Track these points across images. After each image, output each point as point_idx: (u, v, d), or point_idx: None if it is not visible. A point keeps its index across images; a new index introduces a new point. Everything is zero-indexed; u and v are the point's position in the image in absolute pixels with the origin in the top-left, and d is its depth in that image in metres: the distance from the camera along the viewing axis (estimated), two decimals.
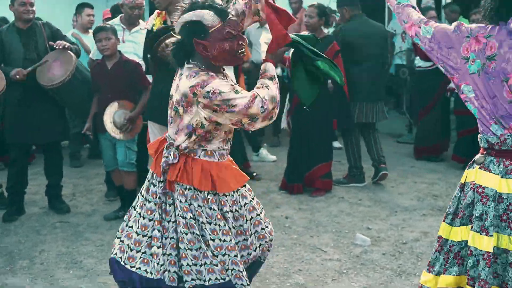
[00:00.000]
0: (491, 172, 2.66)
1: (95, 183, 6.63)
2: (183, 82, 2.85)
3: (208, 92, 2.76)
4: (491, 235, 2.61)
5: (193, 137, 2.91)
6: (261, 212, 3.26)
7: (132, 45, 5.65)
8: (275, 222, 5.26)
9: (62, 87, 5.08)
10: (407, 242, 4.79)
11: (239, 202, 3.10)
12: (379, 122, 8.78)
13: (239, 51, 2.88)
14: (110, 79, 5.09)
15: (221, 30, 2.82)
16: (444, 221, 2.83)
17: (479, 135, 2.74)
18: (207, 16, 2.82)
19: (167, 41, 4.49)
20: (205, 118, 2.84)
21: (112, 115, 5.03)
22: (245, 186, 3.21)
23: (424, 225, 5.17)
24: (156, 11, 4.90)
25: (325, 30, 6.39)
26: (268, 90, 2.86)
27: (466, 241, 2.71)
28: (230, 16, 2.89)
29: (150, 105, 4.84)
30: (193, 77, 2.82)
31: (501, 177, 2.63)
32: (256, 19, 3.25)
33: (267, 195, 6.12)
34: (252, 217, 3.17)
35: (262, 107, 2.80)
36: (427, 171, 6.95)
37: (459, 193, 2.80)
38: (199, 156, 2.97)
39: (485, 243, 2.61)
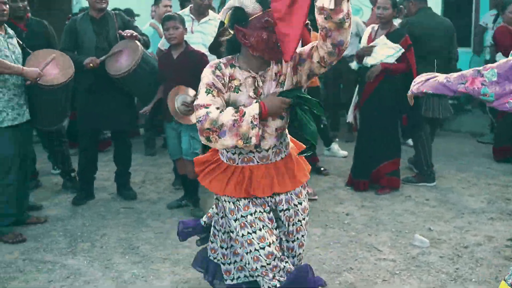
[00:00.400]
0: None
1: (164, 172, 6.78)
2: (205, 70, 2.93)
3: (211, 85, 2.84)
4: None
5: None
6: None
7: (200, 36, 5.68)
8: (335, 218, 5.19)
9: (128, 77, 5.20)
10: (469, 246, 4.58)
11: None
12: (460, 121, 8.49)
13: (279, 44, 2.74)
14: (175, 69, 5.15)
15: (261, 19, 2.74)
16: None
17: None
18: (248, 3, 2.76)
19: None
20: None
21: (175, 99, 5.07)
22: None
23: (490, 229, 4.92)
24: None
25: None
26: (221, 114, 2.72)
27: None
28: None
29: None
30: (211, 69, 2.89)
31: None
32: None
33: (333, 190, 6.04)
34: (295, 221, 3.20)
35: (199, 119, 2.71)
36: (503, 173, 6.61)
37: None
38: None
39: None
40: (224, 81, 2.83)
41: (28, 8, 5.81)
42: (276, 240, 2.96)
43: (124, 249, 4.60)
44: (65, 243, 4.73)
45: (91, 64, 5.23)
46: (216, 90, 2.80)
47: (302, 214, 3.11)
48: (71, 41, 5.48)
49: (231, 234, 3.13)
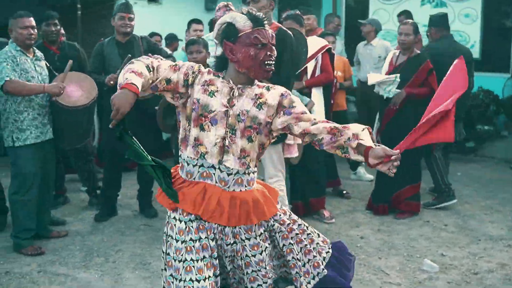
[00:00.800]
0: None
1: None
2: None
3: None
4: None
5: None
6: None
7: None
8: (348, 241, 5.18)
9: (150, 97, 5.35)
10: (479, 272, 4.51)
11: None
12: (495, 147, 8.36)
13: (266, 62, 2.73)
14: None
15: (250, 35, 2.71)
16: None
17: None
18: (239, 19, 2.74)
19: None
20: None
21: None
22: None
23: (505, 256, 4.83)
24: None
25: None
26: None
27: None
28: (265, 26, 2.78)
29: None
30: (199, 70, 2.85)
31: None
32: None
33: (351, 213, 6.03)
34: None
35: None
36: None
37: None
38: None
39: None
40: (193, 79, 2.77)
41: (61, 32, 6.10)
42: (213, 275, 2.68)
43: (135, 265, 4.72)
44: (80, 257, 4.89)
45: (111, 82, 5.39)
46: (176, 67, 2.78)
47: (250, 251, 2.78)
48: (99, 64, 5.71)
49: (165, 255, 2.78)
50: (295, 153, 5.09)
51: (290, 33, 4.86)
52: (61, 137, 5.20)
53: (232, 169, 2.72)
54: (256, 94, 2.81)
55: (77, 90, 5.08)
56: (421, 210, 5.97)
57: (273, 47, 2.77)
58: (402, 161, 5.62)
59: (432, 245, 5.09)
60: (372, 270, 4.57)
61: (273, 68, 2.80)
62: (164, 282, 2.79)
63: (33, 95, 4.89)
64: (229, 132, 2.71)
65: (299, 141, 5.11)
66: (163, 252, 2.78)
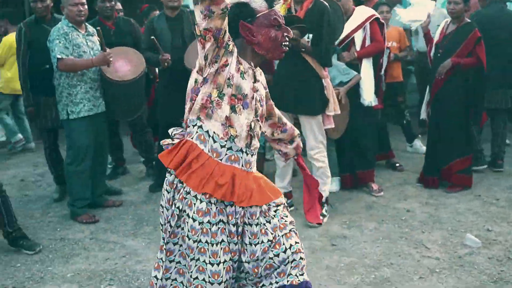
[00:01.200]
0: None
1: None
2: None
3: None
4: None
5: (198, 101, 2.67)
6: None
7: None
8: (394, 214, 5.17)
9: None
10: None
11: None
12: None
13: (283, 43, 2.69)
14: None
15: (268, 16, 2.64)
16: None
17: None
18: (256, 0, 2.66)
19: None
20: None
21: None
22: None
23: None
24: None
25: None
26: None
27: None
28: (276, 6, 2.74)
29: (272, 92, 5.05)
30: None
31: None
32: None
33: (402, 186, 5.98)
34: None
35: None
36: None
37: None
38: (192, 138, 2.71)
39: None
40: (233, 46, 2.60)
41: (116, 7, 6.29)
42: (230, 259, 2.66)
43: None
44: (131, 226, 5.12)
45: (165, 63, 5.53)
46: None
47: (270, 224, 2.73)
48: (150, 39, 5.86)
49: (184, 237, 2.68)
50: (330, 124, 5.07)
51: (327, 4, 4.83)
52: (112, 110, 5.41)
53: (255, 150, 2.76)
54: (263, 79, 2.85)
55: (125, 65, 5.26)
56: (474, 183, 5.84)
57: (288, 27, 2.73)
58: (452, 133, 5.63)
59: (480, 220, 5.00)
60: (413, 244, 4.55)
61: (288, 47, 2.75)
62: (162, 252, 2.78)
63: (85, 69, 5.11)
64: (255, 117, 2.70)
65: (338, 111, 5.10)
66: (166, 223, 2.72)
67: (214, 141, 2.62)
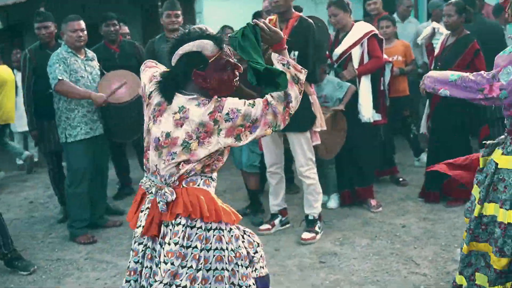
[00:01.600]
0: None
1: None
2: (195, 110, 2.68)
3: (227, 114, 2.65)
4: None
5: (203, 169, 2.75)
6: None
7: None
8: (389, 230, 5.13)
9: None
10: None
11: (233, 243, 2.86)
12: None
13: (235, 80, 2.81)
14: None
15: (220, 60, 2.73)
16: (501, 207, 3.06)
17: None
18: (208, 46, 2.71)
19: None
20: (224, 147, 2.71)
21: None
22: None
23: None
24: (268, 18, 5.12)
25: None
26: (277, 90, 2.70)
27: None
28: (225, 44, 2.80)
29: None
30: (208, 104, 2.69)
31: None
32: None
33: (403, 201, 5.93)
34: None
35: (274, 112, 2.68)
36: None
37: None
38: (198, 185, 2.77)
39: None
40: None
41: (122, 31, 6.44)
42: None
43: None
44: (126, 245, 5.18)
45: None
46: None
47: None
48: None
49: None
50: (317, 141, 5.06)
51: (311, 21, 4.86)
52: (112, 132, 5.52)
53: None
54: None
55: (122, 87, 5.36)
56: None
57: (238, 63, 2.81)
58: (452, 147, 5.54)
59: None
60: (403, 260, 4.50)
61: (238, 81, 2.86)
62: None
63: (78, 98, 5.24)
64: None
65: (324, 127, 5.09)
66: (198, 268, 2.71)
67: (213, 180, 2.87)
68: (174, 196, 2.68)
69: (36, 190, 7.46)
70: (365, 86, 5.67)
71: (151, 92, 2.82)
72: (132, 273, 2.86)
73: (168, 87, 2.77)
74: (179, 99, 2.73)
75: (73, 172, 5.33)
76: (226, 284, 2.73)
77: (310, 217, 5.07)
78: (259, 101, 2.71)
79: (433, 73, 3.29)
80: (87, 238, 5.34)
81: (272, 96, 2.71)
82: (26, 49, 5.89)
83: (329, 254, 4.72)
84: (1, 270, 4.77)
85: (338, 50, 5.65)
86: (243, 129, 2.66)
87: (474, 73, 3.07)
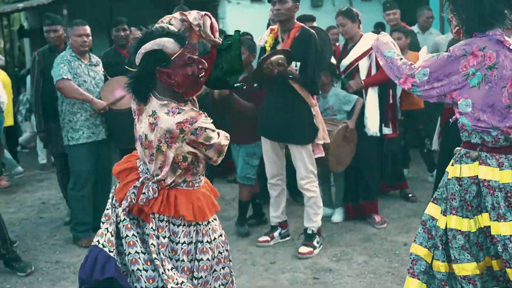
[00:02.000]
0: (491, 166, 2.94)
1: None
2: (164, 118, 2.76)
3: (196, 129, 2.75)
4: (510, 220, 2.88)
5: (179, 171, 2.87)
6: (224, 251, 3.12)
7: None
8: (389, 248, 5.03)
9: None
10: None
11: (210, 235, 3.00)
12: None
13: (200, 75, 2.86)
14: None
15: (182, 56, 2.79)
16: (455, 214, 3.00)
17: (467, 133, 3.01)
18: (168, 44, 2.78)
19: (273, 58, 4.70)
20: (188, 152, 2.82)
21: None
22: (216, 219, 3.12)
23: None
24: (270, 27, 5.10)
25: None
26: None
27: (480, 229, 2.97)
28: (187, 41, 2.88)
29: (261, 121, 5.06)
30: (179, 113, 2.77)
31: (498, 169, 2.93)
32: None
33: (408, 218, 5.81)
34: (216, 255, 3.04)
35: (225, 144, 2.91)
36: None
37: (458, 187, 3.01)
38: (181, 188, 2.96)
39: (505, 228, 2.88)
40: None
41: (133, 35, 6.47)
42: None
43: None
44: None
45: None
46: None
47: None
48: None
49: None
50: (320, 153, 5.00)
51: (313, 32, 4.81)
52: (116, 138, 5.56)
53: None
54: None
55: (123, 93, 5.39)
56: None
57: (202, 59, 2.87)
58: None
59: None
60: (399, 279, 4.40)
61: (204, 77, 2.91)
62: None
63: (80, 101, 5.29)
64: None
65: (327, 140, 5.03)
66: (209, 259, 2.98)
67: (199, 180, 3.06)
68: (156, 195, 2.86)
69: (50, 191, 7.56)
70: (371, 98, 5.59)
71: None
72: (106, 218, 2.99)
73: (138, 87, 2.84)
74: (153, 102, 2.84)
75: (76, 175, 5.38)
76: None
77: (309, 231, 5.01)
78: (220, 132, 2.90)
79: (383, 39, 3.28)
80: (88, 241, 5.34)
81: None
82: (35, 51, 5.98)
83: (324, 270, 4.65)
84: (1, 270, 4.84)
85: (345, 61, 5.58)
86: (201, 145, 2.81)
87: (406, 61, 3.09)
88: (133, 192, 2.89)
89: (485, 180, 2.92)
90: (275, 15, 4.85)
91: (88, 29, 5.42)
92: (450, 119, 3.17)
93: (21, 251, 5.21)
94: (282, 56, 4.66)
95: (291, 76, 4.76)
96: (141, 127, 2.86)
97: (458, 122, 3.03)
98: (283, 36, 4.90)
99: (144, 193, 2.85)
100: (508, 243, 2.85)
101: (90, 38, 5.42)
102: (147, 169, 2.92)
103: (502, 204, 2.88)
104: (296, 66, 4.81)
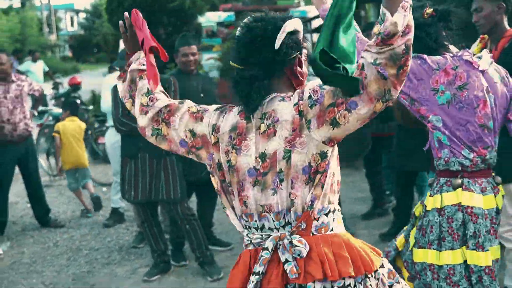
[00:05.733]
0: (474, 192, 2.85)
1: None
2: (282, 107, 2.06)
3: (310, 97, 2.01)
4: (487, 250, 2.80)
5: (322, 190, 2.05)
6: None
7: None
8: None
9: None
10: None
11: None
12: None
13: None
14: None
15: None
16: (430, 248, 2.90)
17: (443, 161, 2.91)
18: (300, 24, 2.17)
19: None
20: (323, 142, 2.02)
21: None
22: None
23: None
24: (481, 35, 4.18)
25: None
26: (374, 46, 1.89)
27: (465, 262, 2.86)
28: None
29: None
30: (290, 96, 2.09)
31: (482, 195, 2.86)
32: None
33: None
34: None
35: (380, 74, 1.87)
36: None
37: (438, 218, 2.90)
38: (331, 230, 2.10)
39: (484, 259, 2.80)
40: None
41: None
42: None
43: None
44: None
45: None
46: None
47: None
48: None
49: None
50: None
51: None
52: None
53: None
54: None
55: None
56: None
57: None
58: None
59: None
60: None
61: None
62: None
63: None
64: None
65: None
66: None
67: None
68: (308, 248, 2.02)
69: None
70: None
71: (215, 123, 2.20)
72: None
73: (255, 91, 2.09)
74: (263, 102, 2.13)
75: None
76: None
77: None
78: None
79: None
80: None
81: (372, 52, 1.88)
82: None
83: None
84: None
85: None
86: (336, 108, 1.96)
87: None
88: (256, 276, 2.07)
89: (468, 206, 2.84)
90: (478, 26, 3.94)
91: None
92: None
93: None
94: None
95: None
96: (250, 152, 2.10)
97: (433, 147, 2.95)
98: (492, 47, 3.97)
99: (285, 262, 2.03)
100: (483, 275, 2.81)
101: None
102: (266, 221, 2.10)
103: (483, 232, 2.82)
104: None
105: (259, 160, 2.08)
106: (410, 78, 2.80)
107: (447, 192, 2.89)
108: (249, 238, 2.15)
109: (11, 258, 5.70)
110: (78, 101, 9.42)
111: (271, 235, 2.08)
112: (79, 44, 41.32)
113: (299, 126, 2.01)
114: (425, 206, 2.98)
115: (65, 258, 5.60)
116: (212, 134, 2.19)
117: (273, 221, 2.08)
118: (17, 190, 7.36)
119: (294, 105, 2.03)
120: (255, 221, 2.11)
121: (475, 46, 4.14)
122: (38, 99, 6.93)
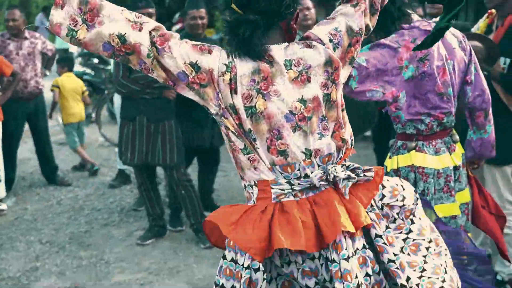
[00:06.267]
0: (427, 153, 2.96)
1: None
2: (309, 54, 2.09)
3: (331, 39, 2.15)
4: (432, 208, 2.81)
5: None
6: None
7: None
8: None
9: None
10: None
11: None
12: None
13: None
14: None
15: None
16: None
17: (401, 125, 2.99)
18: None
19: None
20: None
21: None
22: None
23: None
24: (489, 10, 3.98)
25: None
26: None
27: None
28: None
29: None
30: (307, 43, 2.14)
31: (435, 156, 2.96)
32: None
33: None
34: None
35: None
36: None
37: None
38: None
39: (429, 216, 2.70)
40: None
41: None
42: None
43: None
44: None
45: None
46: None
47: None
48: None
49: None
50: None
51: None
52: None
53: None
54: None
55: None
56: None
57: None
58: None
59: None
60: None
61: None
62: None
63: None
64: None
65: None
66: None
67: None
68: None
69: None
70: None
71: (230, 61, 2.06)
72: None
73: (256, 37, 2.05)
74: (273, 52, 2.08)
75: None
76: None
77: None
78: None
79: None
80: None
81: None
82: None
83: None
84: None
85: None
86: (353, 47, 2.18)
87: None
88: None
89: (420, 167, 2.94)
90: (485, 2, 3.76)
91: None
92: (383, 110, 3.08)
93: None
94: (479, 44, 3.56)
95: (485, 73, 3.62)
96: (284, 97, 2.05)
97: (391, 115, 2.99)
98: (498, 23, 3.78)
99: (342, 184, 2.08)
100: None
101: None
102: (309, 167, 2.09)
103: (431, 190, 2.93)
104: (504, 63, 3.67)
105: (300, 104, 2.06)
106: (378, 68, 2.80)
107: (402, 154, 3.01)
108: (280, 188, 2.07)
109: (14, 214, 5.76)
110: (96, 60, 9.42)
111: (316, 175, 2.07)
112: None
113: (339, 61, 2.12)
114: (386, 167, 3.07)
115: (66, 217, 5.65)
116: (226, 71, 2.04)
117: (318, 166, 2.09)
118: (30, 147, 7.40)
119: (324, 50, 2.09)
120: (298, 170, 2.08)
121: (481, 21, 3.97)
122: (51, 59, 6.91)
